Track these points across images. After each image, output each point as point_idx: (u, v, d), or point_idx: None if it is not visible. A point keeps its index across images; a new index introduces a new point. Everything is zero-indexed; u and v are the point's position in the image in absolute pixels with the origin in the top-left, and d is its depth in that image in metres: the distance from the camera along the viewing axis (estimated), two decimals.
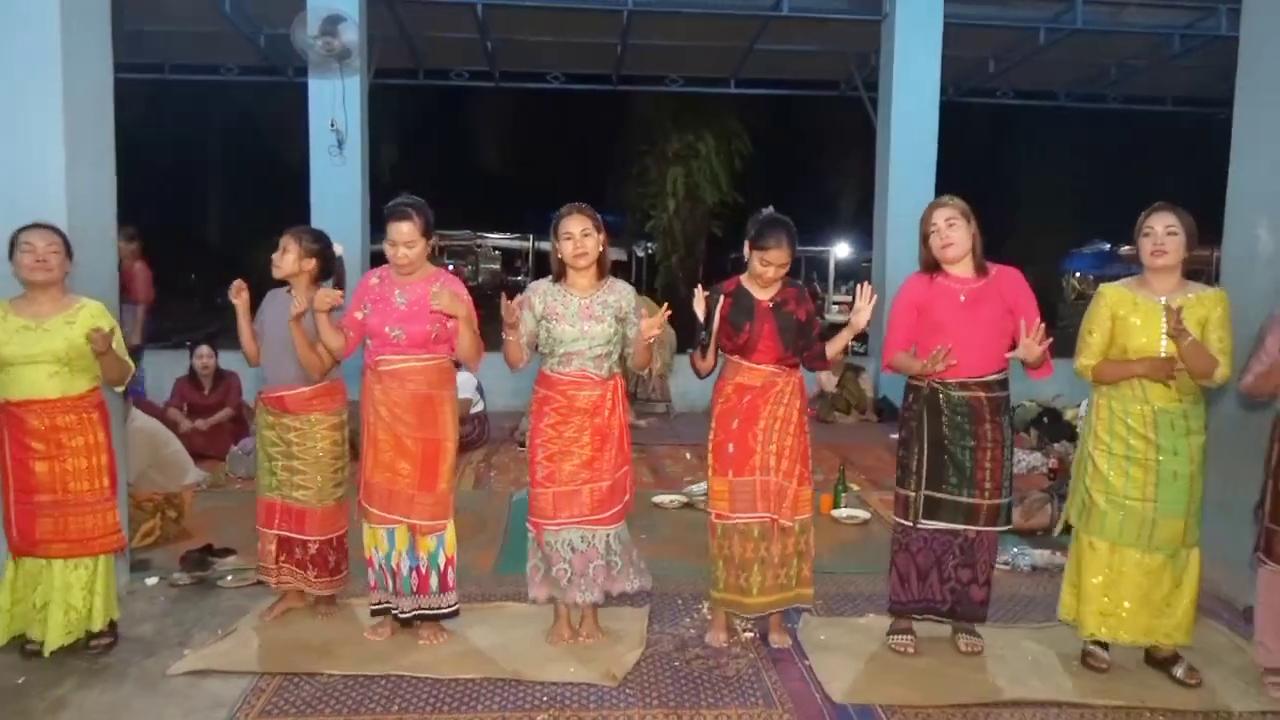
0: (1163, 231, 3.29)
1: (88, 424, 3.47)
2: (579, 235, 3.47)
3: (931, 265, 3.57)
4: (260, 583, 3.97)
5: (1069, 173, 19.67)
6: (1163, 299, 3.30)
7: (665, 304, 3.72)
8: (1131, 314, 3.33)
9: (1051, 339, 3.41)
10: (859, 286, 3.59)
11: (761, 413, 3.53)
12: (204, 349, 7.11)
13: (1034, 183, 20.32)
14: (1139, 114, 12.60)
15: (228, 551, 4.49)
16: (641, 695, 3.24)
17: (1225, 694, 3.29)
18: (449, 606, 3.65)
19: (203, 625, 3.79)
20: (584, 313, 3.51)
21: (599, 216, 3.54)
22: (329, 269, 3.84)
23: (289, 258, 3.71)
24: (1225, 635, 3.80)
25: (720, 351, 3.62)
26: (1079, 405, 6.52)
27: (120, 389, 3.70)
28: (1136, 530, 3.33)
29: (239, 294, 3.69)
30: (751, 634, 3.72)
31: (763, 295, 3.56)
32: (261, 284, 3.81)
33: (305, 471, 3.74)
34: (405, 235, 3.47)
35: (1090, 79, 11.35)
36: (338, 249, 3.92)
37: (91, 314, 3.46)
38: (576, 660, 3.46)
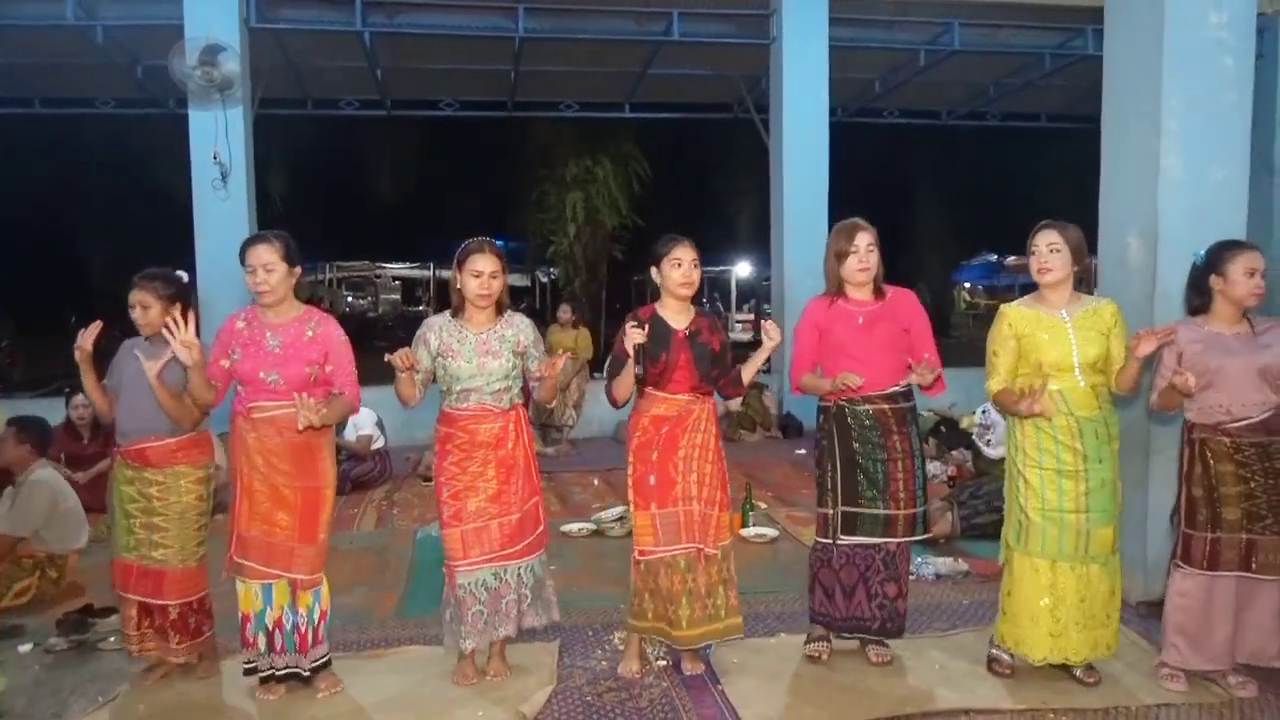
0: (1046, 250, 3.38)
1: None
2: (487, 275, 3.40)
3: (837, 287, 3.61)
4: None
5: (956, 188, 20.43)
6: (1063, 313, 3.39)
7: (563, 352, 3.64)
8: (1038, 330, 3.38)
9: (939, 372, 3.46)
10: (763, 324, 3.54)
11: (680, 442, 3.48)
12: (80, 398, 6.71)
13: (923, 199, 21.04)
14: (1018, 130, 13.19)
15: (109, 611, 4.21)
16: None
17: (1125, 690, 3.38)
18: (319, 659, 3.48)
19: (81, 693, 3.54)
20: (480, 348, 3.44)
21: (504, 255, 3.48)
22: (188, 306, 3.61)
23: (153, 313, 3.49)
24: (1122, 631, 3.89)
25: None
26: (974, 413, 6.71)
27: None
28: (1074, 543, 3.34)
29: (84, 348, 3.40)
30: (665, 662, 3.66)
31: (678, 324, 3.53)
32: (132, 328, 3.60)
33: (167, 529, 3.49)
34: (263, 258, 3.29)
35: (970, 98, 11.85)
36: (182, 275, 3.73)
37: None
38: (485, 703, 3.34)
